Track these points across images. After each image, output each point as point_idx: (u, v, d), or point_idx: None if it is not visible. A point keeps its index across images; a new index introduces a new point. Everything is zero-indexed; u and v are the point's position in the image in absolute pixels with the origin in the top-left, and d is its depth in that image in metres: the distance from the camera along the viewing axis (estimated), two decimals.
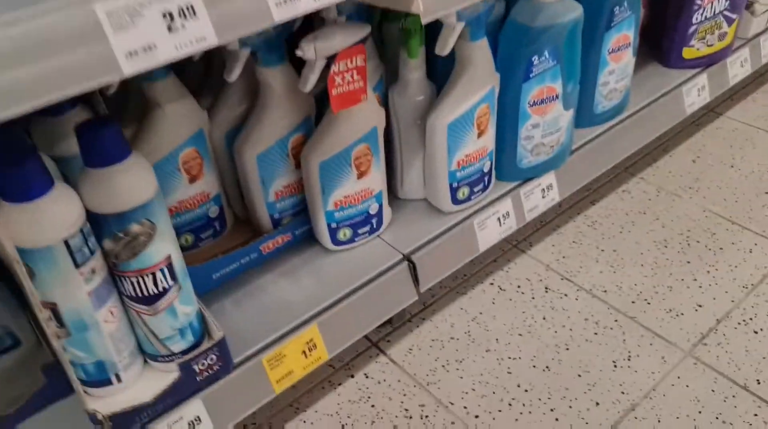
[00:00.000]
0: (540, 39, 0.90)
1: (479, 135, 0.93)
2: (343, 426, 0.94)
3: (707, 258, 1.16)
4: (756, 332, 1.02)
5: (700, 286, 1.11)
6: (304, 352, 0.86)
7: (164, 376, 0.76)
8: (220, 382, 0.79)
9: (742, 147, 1.40)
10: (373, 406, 0.97)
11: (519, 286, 1.13)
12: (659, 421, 0.91)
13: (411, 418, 0.95)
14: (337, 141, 0.84)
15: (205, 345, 0.76)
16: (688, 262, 1.15)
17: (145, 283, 0.71)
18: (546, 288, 1.13)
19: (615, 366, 0.99)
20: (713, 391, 0.95)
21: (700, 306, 1.07)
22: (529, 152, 1.01)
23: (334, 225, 0.91)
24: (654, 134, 1.21)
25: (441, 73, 0.92)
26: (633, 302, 1.09)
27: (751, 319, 1.04)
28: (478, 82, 0.89)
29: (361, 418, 0.95)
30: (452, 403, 0.96)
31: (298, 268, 0.93)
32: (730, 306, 1.07)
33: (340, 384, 1.00)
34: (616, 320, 1.06)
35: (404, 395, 0.98)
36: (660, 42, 1.28)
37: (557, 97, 0.97)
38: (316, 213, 0.90)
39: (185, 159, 0.85)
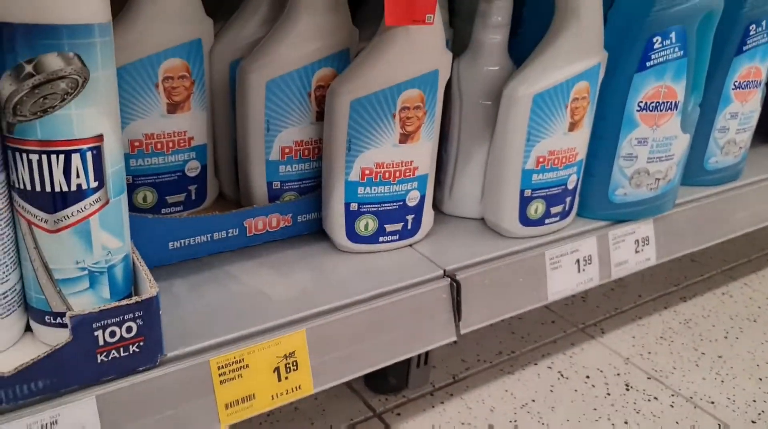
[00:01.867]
0: (668, 13, 0.68)
1: (571, 127, 0.68)
2: None
3: None
4: None
5: None
6: (277, 370, 0.55)
7: (45, 347, 0.47)
8: (135, 376, 0.48)
9: None
10: None
11: (588, 377, 0.82)
12: None
13: None
14: (381, 75, 0.60)
15: (125, 302, 0.47)
16: None
17: (50, 169, 0.44)
18: (627, 385, 0.81)
19: None
20: None
21: None
22: (628, 180, 0.75)
23: (354, 206, 0.64)
24: None
25: (527, 49, 0.70)
26: (753, 422, 0.76)
27: None
28: (581, 48, 0.66)
29: None
30: None
31: (293, 262, 0.65)
32: None
33: None
34: None
35: None
36: None
37: (676, 106, 0.73)
38: (333, 182, 0.64)
39: (168, 73, 0.62)
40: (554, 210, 0.73)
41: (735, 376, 0.84)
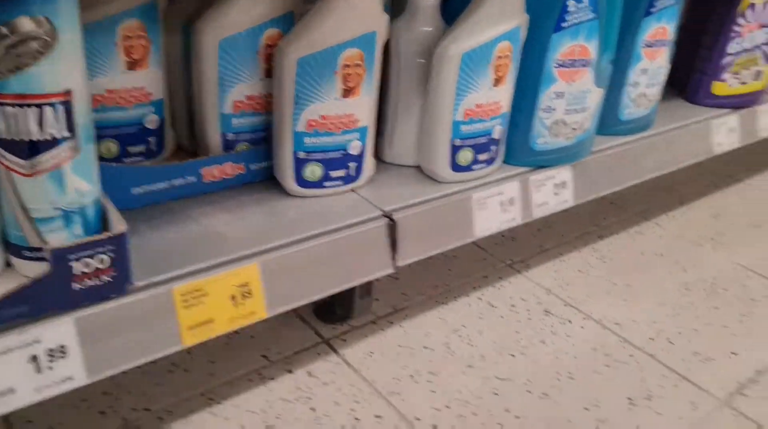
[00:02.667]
0: None
1: (495, 83, 0.77)
2: (267, 427, 0.69)
3: (739, 307, 0.96)
4: None
5: (733, 334, 0.90)
6: (233, 297, 0.63)
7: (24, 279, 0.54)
8: (108, 303, 0.56)
9: (767, 211, 1.26)
10: (313, 409, 0.72)
11: (513, 306, 0.92)
12: None
13: None
14: (325, 35, 0.66)
15: (97, 237, 0.54)
16: (716, 308, 0.95)
17: (25, 120, 0.50)
18: (546, 311, 0.92)
19: (631, 404, 0.77)
20: None
21: (734, 353, 0.87)
22: (547, 130, 0.84)
23: (302, 154, 0.71)
24: (681, 163, 1.06)
25: (458, 11, 0.78)
26: (651, 339, 0.88)
27: None
28: (504, 12, 0.74)
29: (294, 422, 0.70)
30: (418, 419, 0.72)
31: (247, 205, 0.72)
32: None
33: (272, 379, 0.76)
34: (631, 355, 0.84)
35: (356, 402, 0.73)
36: (688, 76, 1.16)
37: (589, 63, 0.82)
38: (283, 133, 0.71)
39: (127, 32, 0.67)
40: (481, 157, 0.82)
41: (639, 302, 0.96)
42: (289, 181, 0.73)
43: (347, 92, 0.70)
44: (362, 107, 0.72)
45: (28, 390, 0.53)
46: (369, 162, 0.77)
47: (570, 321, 0.90)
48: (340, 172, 0.74)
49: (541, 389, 0.78)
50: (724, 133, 1.13)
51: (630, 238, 1.12)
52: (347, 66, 0.68)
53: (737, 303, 0.97)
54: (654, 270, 1.04)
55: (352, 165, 0.75)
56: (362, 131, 0.73)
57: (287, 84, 0.68)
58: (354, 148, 0.74)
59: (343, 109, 0.71)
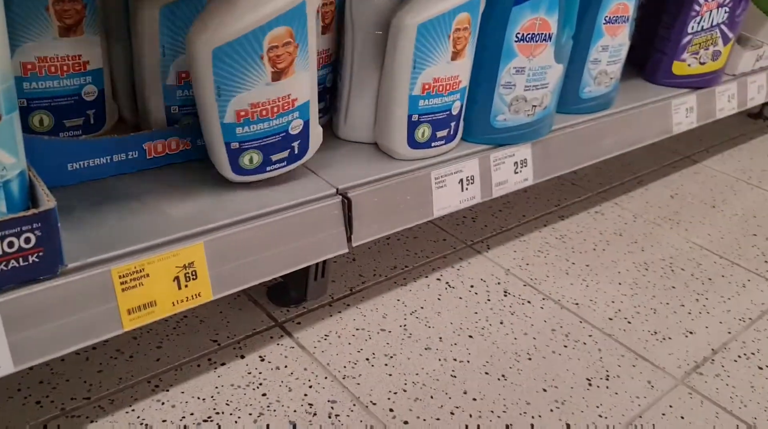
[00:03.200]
0: None
1: (454, 56, 0.74)
2: (216, 414, 0.66)
3: (694, 286, 0.96)
4: (761, 368, 0.82)
5: (689, 313, 0.90)
6: (177, 279, 0.59)
7: None
8: (36, 286, 0.52)
9: (722, 191, 1.26)
10: (264, 395, 0.69)
11: (472, 286, 0.90)
12: None
13: (315, 415, 0.67)
14: (242, 19, 0.59)
15: (22, 214, 0.49)
16: (673, 288, 0.95)
17: None
18: (505, 292, 0.90)
19: (590, 384, 0.76)
20: (714, 427, 0.72)
21: (690, 332, 0.87)
22: (507, 106, 0.82)
23: (235, 145, 0.65)
24: (641, 141, 1.05)
25: None
26: (610, 319, 0.87)
27: (753, 354, 0.84)
28: None
29: (244, 408, 0.67)
30: (374, 403, 0.70)
31: (192, 183, 0.69)
32: (727, 337, 0.86)
33: (223, 364, 0.73)
34: (590, 335, 0.84)
35: (310, 387, 0.71)
36: (648, 56, 1.15)
37: (550, 37, 0.80)
38: (210, 125, 0.64)
39: None
40: (440, 134, 0.79)
41: (598, 281, 0.95)
42: (226, 169, 0.66)
43: (279, 74, 0.63)
44: (299, 85, 0.66)
45: None
46: (314, 134, 0.72)
47: (529, 301, 0.89)
48: (283, 154, 0.69)
49: (500, 371, 0.76)
50: (683, 112, 1.13)
51: (590, 217, 1.12)
52: (275, 47, 0.61)
53: (694, 282, 0.98)
54: (613, 250, 1.03)
55: (296, 144, 0.70)
56: (303, 108, 0.68)
57: (205, 77, 0.60)
58: (295, 128, 0.69)
59: (276, 93, 0.64)
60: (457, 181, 0.81)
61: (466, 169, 0.82)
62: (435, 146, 0.79)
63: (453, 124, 0.80)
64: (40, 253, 0.51)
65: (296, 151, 0.71)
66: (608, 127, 1.00)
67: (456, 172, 0.81)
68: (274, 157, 0.69)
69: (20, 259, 0.50)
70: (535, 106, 0.84)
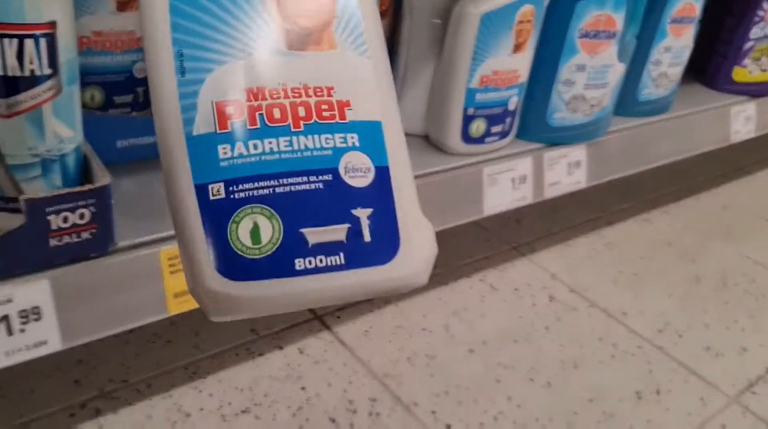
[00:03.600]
0: None
1: (516, 49, 0.71)
2: (254, 405, 0.65)
3: (748, 302, 0.92)
4: None
5: (743, 330, 0.87)
6: None
7: None
8: (88, 263, 0.50)
9: None
10: (303, 388, 0.68)
11: (516, 289, 0.88)
12: None
13: (355, 412, 0.65)
14: None
15: (78, 189, 0.48)
16: (726, 303, 0.92)
17: (2, 52, 0.44)
18: (551, 297, 0.87)
19: (639, 398, 0.73)
20: None
21: (744, 350, 0.83)
22: (565, 105, 0.79)
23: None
24: (697, 149, 1.01)
25: None
26: (660, 331, 0.84)
27: None
28: None
29: (282, 400, 0.66)
30: (416, 404, 0.68)
31: None
32: None
33: (261, 354, 0.71)
34: (639, 346, 0.81)
35: (350, 383, 0.69)
36: (708, 61, 1.11)
37: (614, 35, 0.77)
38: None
39: None
40: (495, 129, 0.77)
41: (647, 292, 0.92)
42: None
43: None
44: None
45: None
46: None
47: (576, 308, 0.86)
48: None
49: (545, 378, 0.74)
50: (742, 121, 1.09)
51: (638, 225, 1.08)
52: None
53: (747, 298, 0.94)
54: (662, 260, 1.00)
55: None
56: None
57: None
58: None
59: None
60: (509, 179, 0.78)
61: (519, 168, 0.79)
62: (489, 142, 0.77)
63: (509, 119, 0.77)
64: (93, 230, 0.50)
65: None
66: (665, 132, 0.97)
67: (508, 169, 0.78)
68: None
69: (73, 235, 0.49)
70: (593, 105, 0.81)
